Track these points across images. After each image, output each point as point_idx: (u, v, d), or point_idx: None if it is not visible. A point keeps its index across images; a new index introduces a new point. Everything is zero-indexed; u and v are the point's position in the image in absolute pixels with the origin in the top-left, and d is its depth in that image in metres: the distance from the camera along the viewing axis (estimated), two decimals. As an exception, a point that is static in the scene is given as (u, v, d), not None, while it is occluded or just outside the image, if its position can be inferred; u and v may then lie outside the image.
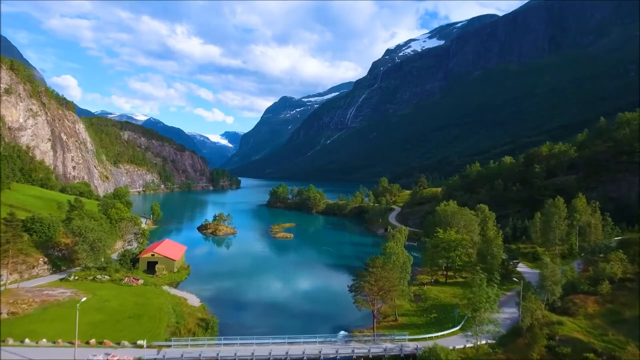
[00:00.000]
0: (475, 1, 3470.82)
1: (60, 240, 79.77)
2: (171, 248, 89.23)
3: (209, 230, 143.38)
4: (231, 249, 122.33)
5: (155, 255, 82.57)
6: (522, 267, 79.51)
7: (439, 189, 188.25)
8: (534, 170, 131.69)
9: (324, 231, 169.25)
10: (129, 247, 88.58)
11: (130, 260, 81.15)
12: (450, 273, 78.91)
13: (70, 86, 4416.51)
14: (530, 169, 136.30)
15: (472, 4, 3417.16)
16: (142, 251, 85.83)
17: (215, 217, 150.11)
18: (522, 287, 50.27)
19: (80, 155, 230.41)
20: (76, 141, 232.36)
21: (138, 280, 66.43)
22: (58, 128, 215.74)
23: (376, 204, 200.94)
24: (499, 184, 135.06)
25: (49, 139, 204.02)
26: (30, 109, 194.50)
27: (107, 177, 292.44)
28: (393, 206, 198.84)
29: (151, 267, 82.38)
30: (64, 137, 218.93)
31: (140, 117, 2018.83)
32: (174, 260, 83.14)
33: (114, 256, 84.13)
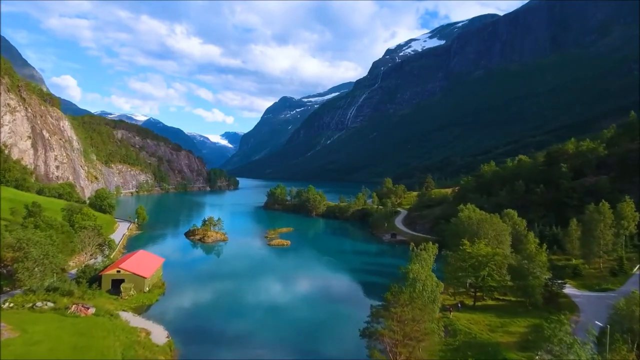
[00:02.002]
0: (475, 1, 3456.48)
1: (5, 254, 65.65)
2: (143, 262, 75.01)
3: (197, 237, 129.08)
4: (218, 260, 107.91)
5: (122, 271, 68.43)
6: (567, 288, 65.30)
7: (449, 190, 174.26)
8: (559, 170, 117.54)
9: (325, 237, 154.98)
10: (90, 262, 74.21)
11: (90, 279, 67.09)
12: (478, 293, 64.78)
13: (70, 86, 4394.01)
14: (554, 169, 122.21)
15: (472, 3, 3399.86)
16: (106, 266, 71.63)
17: (204, 221, 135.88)
18: (606, 330, 36.15)
19: (64, 154, 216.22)
20: (60, 139, 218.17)
21: (88, 308, 52.28)
22: (40, 125, 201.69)
23: (380, 207, 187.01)
24: (520, 185, 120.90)
25: (29, 137, 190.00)
26: (8, 104, 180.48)
27: (96, 178, 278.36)
28: (398, 209, 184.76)
29: (117, 285, 68.33)
30: (47, 135, 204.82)
31: (140, 117, 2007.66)
32: (145, 278, 68.96)
33: (72, 273, 69.93)
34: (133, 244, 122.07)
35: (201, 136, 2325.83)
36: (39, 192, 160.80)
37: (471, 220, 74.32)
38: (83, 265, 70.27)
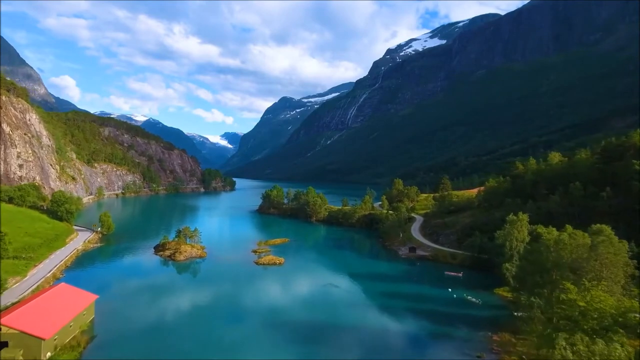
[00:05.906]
0: (475, 0, 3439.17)
1: None
2: (52, 307, 48.70)
3: (167, 252, 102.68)
4: (186, 289, 79.63)
5: (3, 330, 42.26)
6: None
7: (473, 192, 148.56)
8: (629, 168, 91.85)
9: (327, 251, 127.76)
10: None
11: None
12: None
13: (69, 86, 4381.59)
14: (618, 167, 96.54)
15: (471, 3, 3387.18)
16: (-14, 318, 45.44)
17: (179, 232, 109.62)
18: None
19: (30, 152, 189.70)
20: (25, 134, 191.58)
21: None
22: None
23: (391, 212, 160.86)
24: (577, 187, 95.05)
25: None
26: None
27: (73, 178, 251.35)
28: (412, 214, 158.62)
29: (-2, 350, 42.20)
30: (7, 129, 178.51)
31: (140, 118, 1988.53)
32: (43, 339, 42.79)
33: None
34: (84, 262, 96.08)
35: (201, 136, 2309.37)
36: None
37: (564, 246, 47.14)
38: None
